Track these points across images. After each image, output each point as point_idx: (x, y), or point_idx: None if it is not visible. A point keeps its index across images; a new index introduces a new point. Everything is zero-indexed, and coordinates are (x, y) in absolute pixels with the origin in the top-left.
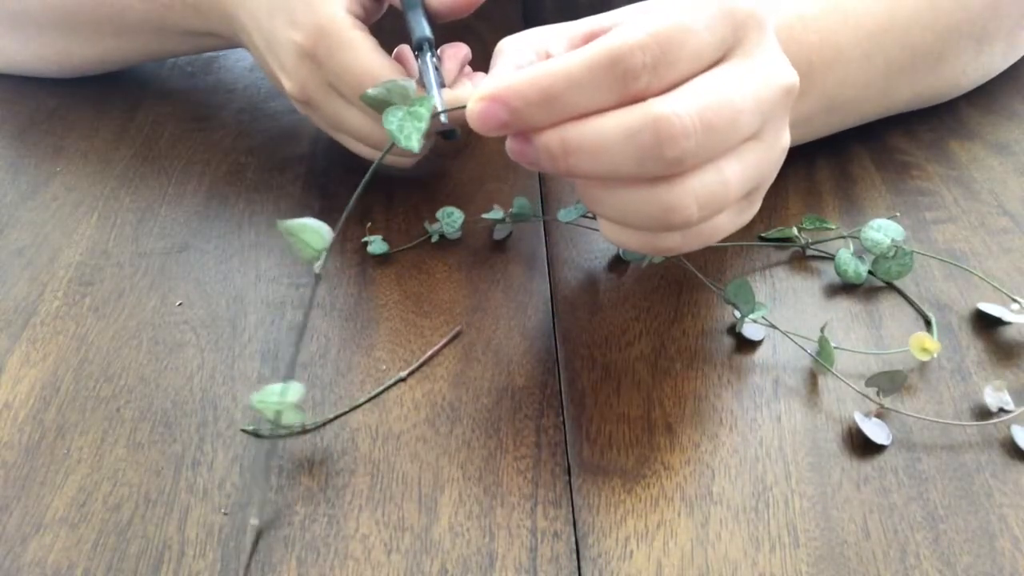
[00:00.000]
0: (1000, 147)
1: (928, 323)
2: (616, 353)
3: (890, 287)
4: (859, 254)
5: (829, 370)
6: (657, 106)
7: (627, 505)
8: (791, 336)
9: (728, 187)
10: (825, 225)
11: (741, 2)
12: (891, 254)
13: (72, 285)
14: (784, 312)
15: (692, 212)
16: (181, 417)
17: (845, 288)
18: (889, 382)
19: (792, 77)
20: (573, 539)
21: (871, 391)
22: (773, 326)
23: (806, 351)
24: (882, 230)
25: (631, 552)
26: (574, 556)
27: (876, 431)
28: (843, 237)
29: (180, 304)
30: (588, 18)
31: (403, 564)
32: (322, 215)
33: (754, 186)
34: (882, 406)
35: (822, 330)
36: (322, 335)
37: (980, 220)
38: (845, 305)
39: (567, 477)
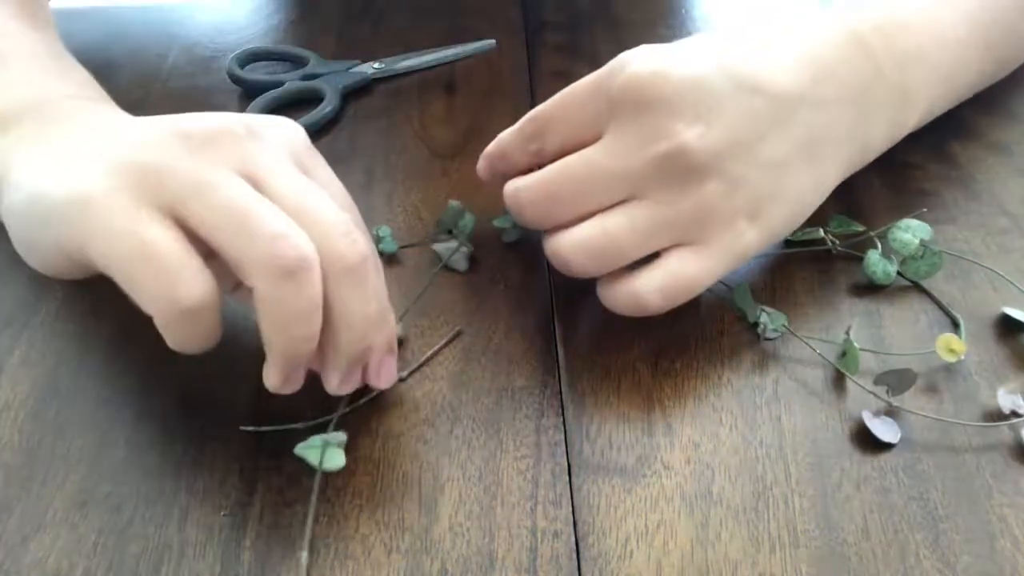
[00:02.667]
0: (1000, 147)
1: (956, 324)
2: (616, 353)
3: (917, 287)
4: (887, 254)
5: (851, 377)
6: (511, 184)
7: (627, 505)
8: (807, 341)
9: (612, 237)
10: (853, 227)
11: (616, 79)
12: (920, 254)
13: (72, 285)
14: (802, 313)
15: (579, 260)
16: (181, 417)
17: (869, 289)
18: (898, 381)
19: (676, 138)
20: (573, 539)
21: (880, 390)
22: (793, 333)
23: (826, 358)
24: (910, 230)
25: (631, 552)
26: (574, 556)
27: (884, 430)
28: (869, 236)
29: None
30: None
31: (403, 564)
32: None
33: (670, 240)
34: (890, 404)
35: (847, 333)
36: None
37: (980, 220)
38: (865, 305)
39: (567, 477)
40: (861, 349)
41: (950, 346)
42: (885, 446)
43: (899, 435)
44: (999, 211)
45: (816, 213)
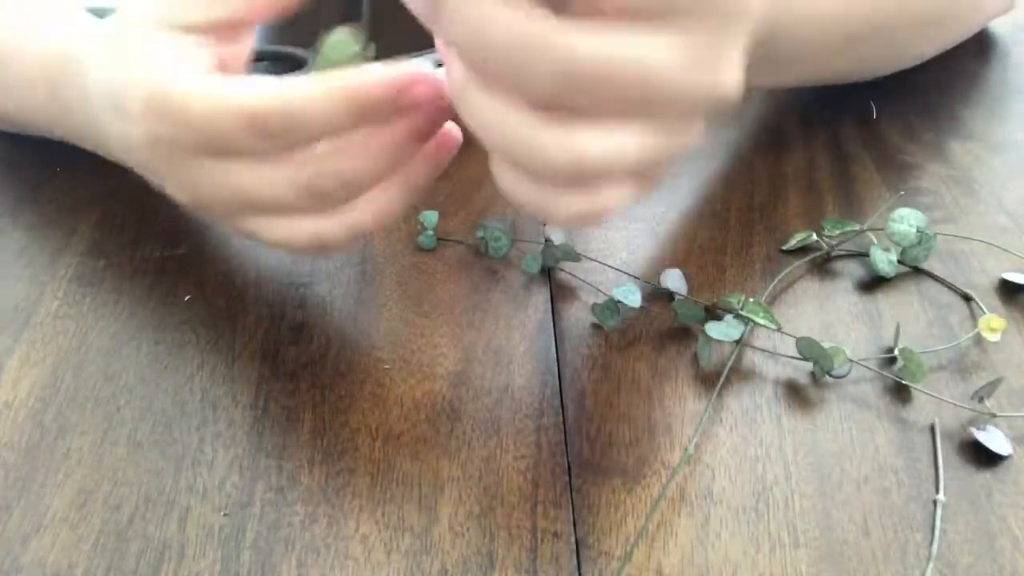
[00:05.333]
0: (1000, 147)
1: (968, 299)
2: (616, 353)
3: (916, 272)
4: (886, 247)
5: (916, 386)
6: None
7: (627, 505)
8: (866, 365)
9: (625, 153)
10: (847, 226)
11: None
12: (917, 241)
13: (72, 285)
14: (819, 320)
15: (591, 157)
16: (181, 417)
17: (878, 283)
18: (991, 388)
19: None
20: (573, 539)
21: (964, 400)
22: (855, 362)
23: (886, 374)
24: (905, 220)
25: (631, 552)
26: (574, 556)
27: (997, 442)
28: (864, 232)
29: (188, 298)
30: None
31: (403, 564)
32: None
33: (646, 167)
34: (993, 415)
35: (896, 340)
36: (322, 335)
37: (980, 220)
38: (865, 304)
39: (567, 477)
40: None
41: (990, 325)
42: (888, 448)
43: (1010, 446)
44: (999, 210)
45: (814, 215)
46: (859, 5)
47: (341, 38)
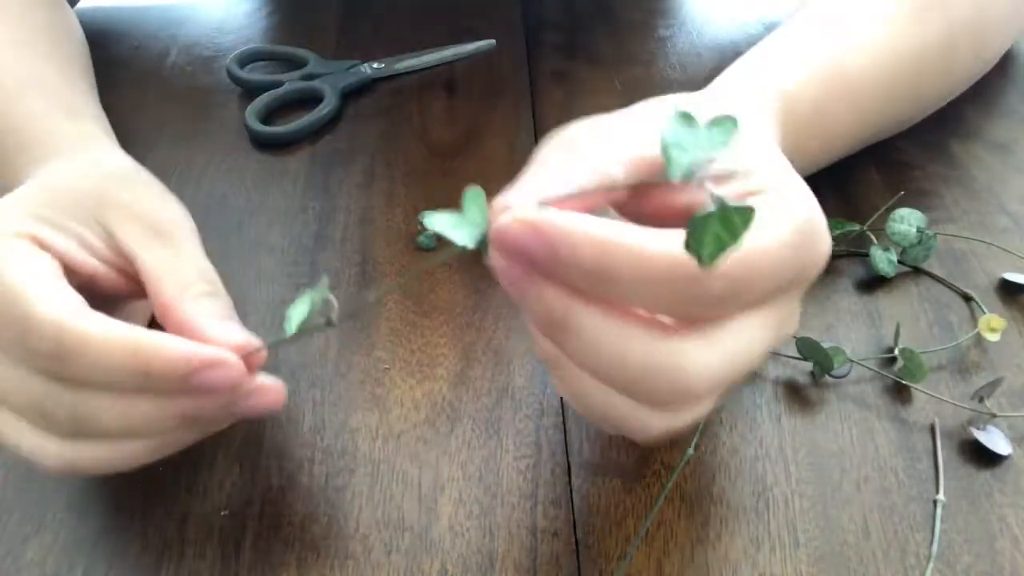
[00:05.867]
0: (1000, 147)
1: (968, 299)
2: None
3: (916, 272)
4: (886, 247)
5: (916, 387)
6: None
7: (627, 505)
8: (866, 365)
9: (752, 355)
10: (848, 227)
11: (820, 246)
12: (917, 241)
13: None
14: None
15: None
16: None
17: (879, 282)
18: (991, 389)
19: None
20: (573, 539)
21: (967, 400)
22: (855, 362)
23: (886, 374)
24: (906, 220)
25: (631, 552)
26: (574, 556)
27: (997, 442)
28: (865, 232)
29: None
30: (652, 132)
31: (403, 564)
32: (322, 215)
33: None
34: (993, 415)
35: (896, 340)
36: (322, 335)
37: (980, 220)
38: (866, 303)
39: (567, 477)
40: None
41: (990, 325)
42: (888, 448)
43: (1010, 446)
44: (999, 210)
45: None
46: (870, 121)
47: (304, 300)
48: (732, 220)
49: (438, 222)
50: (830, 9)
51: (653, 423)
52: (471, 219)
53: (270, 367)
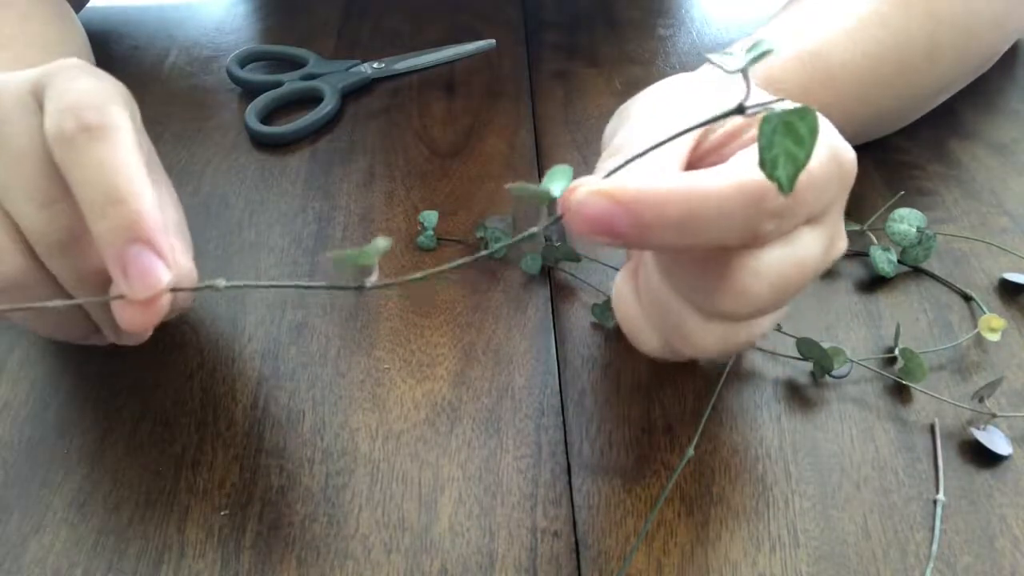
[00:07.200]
0: (1000, 147)
1: (968, 299)
2: (616, 353)
3: (916, 272)
4: (886, 247)
5: (916, 387)
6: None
7: (627, 505)
8: (866, 365)
9: (808, 266)
10: (849, 227)
11: (848, 156)
12: (917, 241)
13: None
14: (819, 320)
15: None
16: (181, 417)
17: (879, 283)
18: (990, 389)
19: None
20: (573, 539)
21: (975, 404)
22: (855, 362)
23: (886, 374)
24: (905, 220)
25: (631, 552)
26: (574, 556)
27: (997, 442)
28: (865, 232)
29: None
30: (684, 131)
31: (403, 564)
32: (323, 215)
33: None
34: (993, 415)
35: (896, 340)
36: (322, 335)
37: (980, 220)
38: (886, 303)
39: (567, 477)
40: (910, 351)
41: (990, 325)
42: (888, 448)
43: (1010, 446)
44: (999, 210)
45: None
46: (851, 110)
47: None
48: (796, 127)
49: (519, 187)
50: (817, 2)
51: (710, 332)
52: (557, 179)
53: (270, 367)
